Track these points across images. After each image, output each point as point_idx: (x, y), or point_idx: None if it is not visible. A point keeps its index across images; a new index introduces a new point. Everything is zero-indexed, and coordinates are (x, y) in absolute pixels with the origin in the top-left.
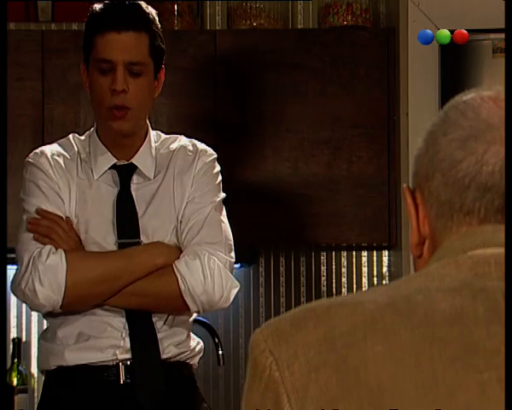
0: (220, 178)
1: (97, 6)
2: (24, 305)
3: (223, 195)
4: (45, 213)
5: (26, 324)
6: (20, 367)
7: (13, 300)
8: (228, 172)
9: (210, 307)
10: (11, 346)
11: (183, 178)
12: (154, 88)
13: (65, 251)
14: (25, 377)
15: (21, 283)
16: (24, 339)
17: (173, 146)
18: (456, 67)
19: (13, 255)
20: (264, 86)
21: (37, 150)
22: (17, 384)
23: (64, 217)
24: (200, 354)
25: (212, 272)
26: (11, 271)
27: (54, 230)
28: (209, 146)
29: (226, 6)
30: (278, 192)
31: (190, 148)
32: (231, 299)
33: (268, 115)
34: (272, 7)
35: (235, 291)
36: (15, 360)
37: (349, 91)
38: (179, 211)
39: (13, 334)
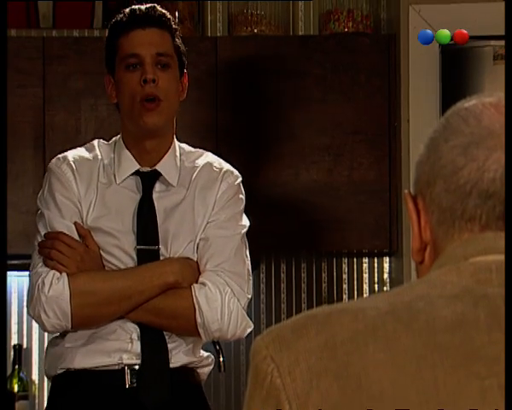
0: (244, 204)
1: (118, 16)
2: (25, 311)
3: (247, 223)
4: (49, 233)
5: (26, 330)
6: (20, 374)
7: (14, 306)
8: None
9: (221, 340)
10: (12, 352)
11: (206, 194)
12: (180, 89)
13: (68, 275)
14: (26, 384)
15: (29, 310)
16: (25, 346)
17: (199, 162)
18: (457, 73)
19: (13, 262)
20: (265, 93)
21: (59, 156)
22: (18, 391)
23: (74, 227)
24: (210, 367)
25: (229, 313)
26: (11, 278)
27: (57, 249)
28: (210, 152)
29: (227, 13)
30: (279, 199)
31: (216, 165)
32: (243, 337)
33: (269, 122)
34: (273, 13)
35: (248, 331)
36: (16, 367)
37: (350, 98)
38: (200, 227)
39: (14, 341)
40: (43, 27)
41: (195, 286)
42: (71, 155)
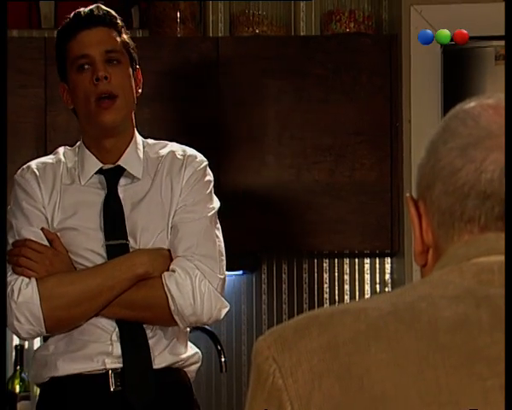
0: (212, 186)
1: (63, 21)
2: None
3: (217, 205)
4: (17, 241)
5: None
6: (22, 374)
7: None
8: (231, 178)
9: (199, 325)
10: (13, 353)
11: (173, 181)
12: (134, 84)
13: (37, 280)
14: (27, 385)
15: None
16: (26, 346)
17: (163, 151)
18: (458, 73)
19: None
20: (267, 93)
21: (24, 166)
22: (20, 391)
23: (42, 233)
24: (198, 364)
25: (202, 296)
26: None
27: (24, 256)
28: (212, 153)
29: (229, 13)
30: (281, 199)
31: (180, 152)
32: (220, 318)
33: (270, 122)
34: (275, 14)
35: (224, 311)
36: (18, 367)
37: (351, 98)
38: (169, 215)
39: (15, 341)
40: (45, 28)
41: (165, 274)
42: (34, 163)
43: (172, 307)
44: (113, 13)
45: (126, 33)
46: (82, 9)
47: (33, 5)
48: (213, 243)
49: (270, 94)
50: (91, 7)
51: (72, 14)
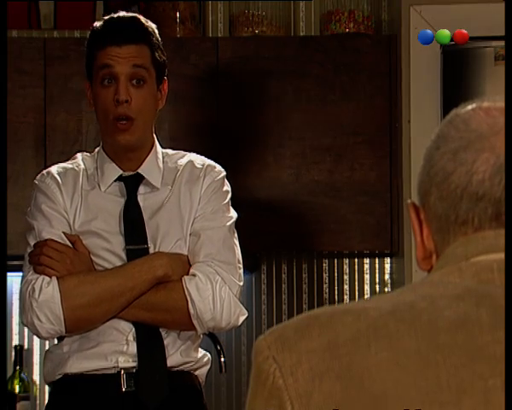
0: (229, 197)
1: (98, 23)
2: None
3: (235, 215)
4: (38, 242)
5: (28, 331)
6: (22, 375)
7: (15, 307)
8: (230, 179)
9: (216, 331)
10: (13, 353)
11: (191, 190)
12: (158, 99)
13: (58, 279)
14: (27, 385)
15: (23, 318)
16: (26, 346)
17: (181, 161)
18: (458, 74)
19: (15, 262)
20: (266, 93)
21: (44, 171)
22: (19, 392)
23: (63, 235)
24: (207, 367)
25: (222, 301)
26: (12, 278)
27: (45, 255)
28: (211, 153)
29: (228, 13)
30: (280, 199)
31: (199, 162)
32: (238, 325)
33: (270, 122)
34: (274, 14)
35: (242, 319)
36: (17, 368)
37: (351, 98)
38: (187, 223)
39: (15, 341)
40: (45, 28)
41: (186, 278)
42: (54, 168)
43: (192, 311)
44: (148, 28)
45: (160, 48)
46: (116, 16)
47: (33, 5)
48: (233, 251)
49: (270, 94)
50: (128, 16)
51: (108, 17)
